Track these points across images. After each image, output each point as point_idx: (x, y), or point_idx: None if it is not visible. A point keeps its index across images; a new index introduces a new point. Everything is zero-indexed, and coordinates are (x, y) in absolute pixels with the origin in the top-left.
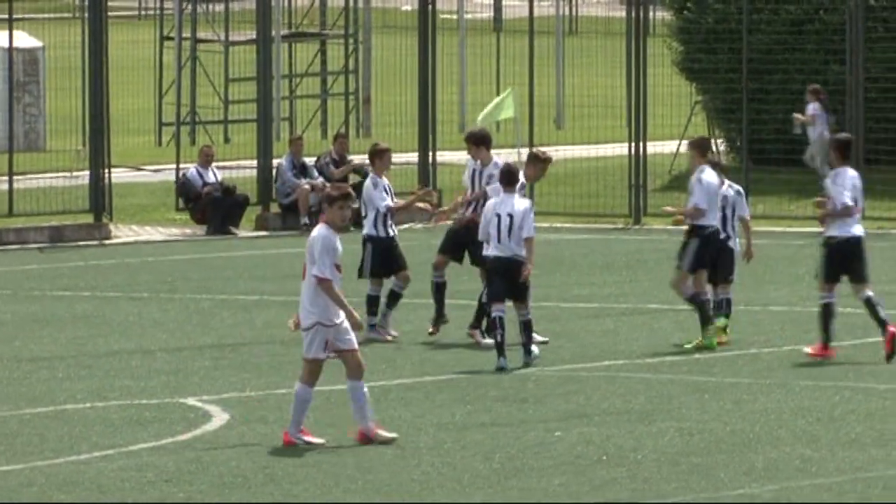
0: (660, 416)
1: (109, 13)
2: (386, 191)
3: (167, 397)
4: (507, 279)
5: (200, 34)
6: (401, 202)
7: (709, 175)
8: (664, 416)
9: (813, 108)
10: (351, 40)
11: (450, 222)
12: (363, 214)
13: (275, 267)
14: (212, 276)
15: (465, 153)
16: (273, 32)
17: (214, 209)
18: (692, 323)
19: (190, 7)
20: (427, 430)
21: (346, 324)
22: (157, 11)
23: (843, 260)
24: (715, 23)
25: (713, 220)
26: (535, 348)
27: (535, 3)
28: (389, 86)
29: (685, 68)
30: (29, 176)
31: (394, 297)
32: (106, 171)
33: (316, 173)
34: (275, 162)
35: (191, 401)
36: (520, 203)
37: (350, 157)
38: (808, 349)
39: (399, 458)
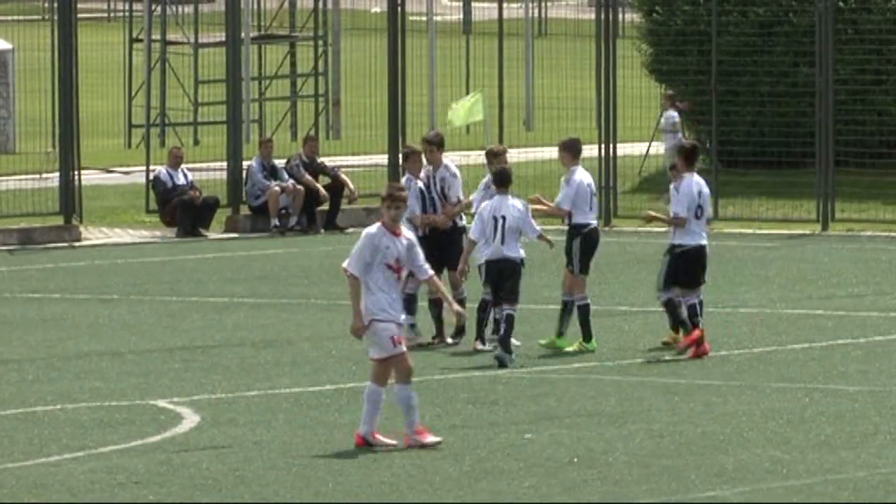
0: (630, 418)
1: (79, 15)
2: (417, 198)
3: (137, 399)
4: (498, 280)
5: (170, 36)
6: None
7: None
8: (634, 418)
9: (669, 115)
10: (320, 42)
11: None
12: None
13: (245, 269)
14: (182, 279)
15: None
16: (242, 34)
17: (184, 211)
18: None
19: (159, 9)
20: (398, 432)
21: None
22: (127, 13)
23: (687, 267)
24: (684, 25)
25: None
26: (514, 344)
27: (505, 6)
28: (359, 88)
29: (654, 70)
30: None
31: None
32: (76, 173)
33: (286, 175)
34: (245, 164)
35: (161, 403)
36: (514, 204)
37: (320, 160)
38: (680, 347)
39: (370, 460)
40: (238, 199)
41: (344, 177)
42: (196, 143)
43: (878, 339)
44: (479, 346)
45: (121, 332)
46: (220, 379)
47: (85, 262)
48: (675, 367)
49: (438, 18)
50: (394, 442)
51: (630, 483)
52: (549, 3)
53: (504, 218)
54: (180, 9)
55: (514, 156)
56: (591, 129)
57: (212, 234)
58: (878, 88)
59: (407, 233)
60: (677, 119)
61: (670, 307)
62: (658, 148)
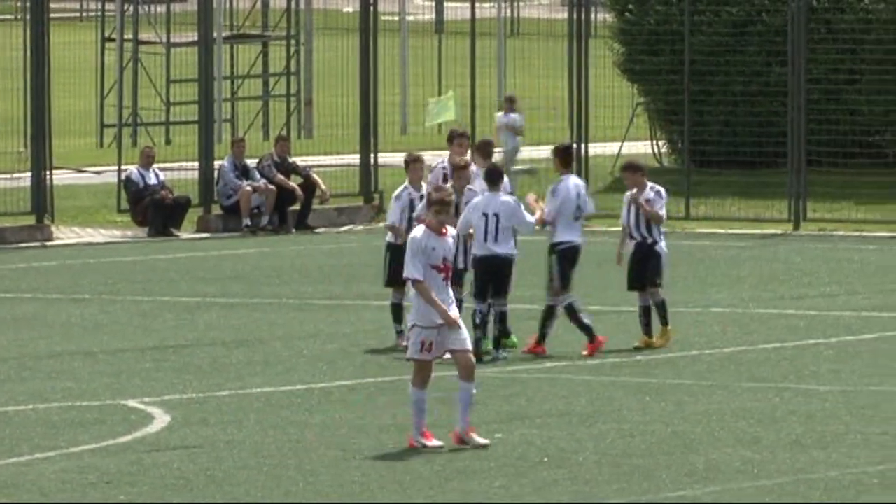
0: (601, 417)
1: (51, 14)
2: (406, 207)
3: (109, 399)
4: (490, 277)
5: (142, 36)
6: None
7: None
8: (605, 417)
9: (507, 118)
10: (293, 42)
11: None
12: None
13: (217, 269)
14: (153, 278)
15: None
16: (215, 34)
17: (156, 211)
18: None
19: (131, 9)
20: (368, 431)
21: (460, 324)
22: (99, 13)
23: (572, 265)
24: (657, 24)
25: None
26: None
27: (477, 5)
28: (331, 87)
29: (627, 70)
30: None
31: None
32: (47, 172)
33: (258, 175)
34: (217, 163)
35: (132, 403)
36: (505, 200)
37: (292, 159)
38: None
39: (340, 459)
40: (210, 198)
41: (316, 177)
42: (168, 142)
43: (850, 338)
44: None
45: (92, 332)
46: (191, 379)
47: (57, 262)
48: (646, 367)
49: (411, 18)
50: (440, 443)
51: (601, 483)
52: (521, 3)
53: (497, 216)
54: (152, 8)
55: None
56: (563, 128)
57: (183, 234)
58: (850, 88)
59: (452, 231)
60: (521, 121)
61: (572, 311)
62: (630, 148)
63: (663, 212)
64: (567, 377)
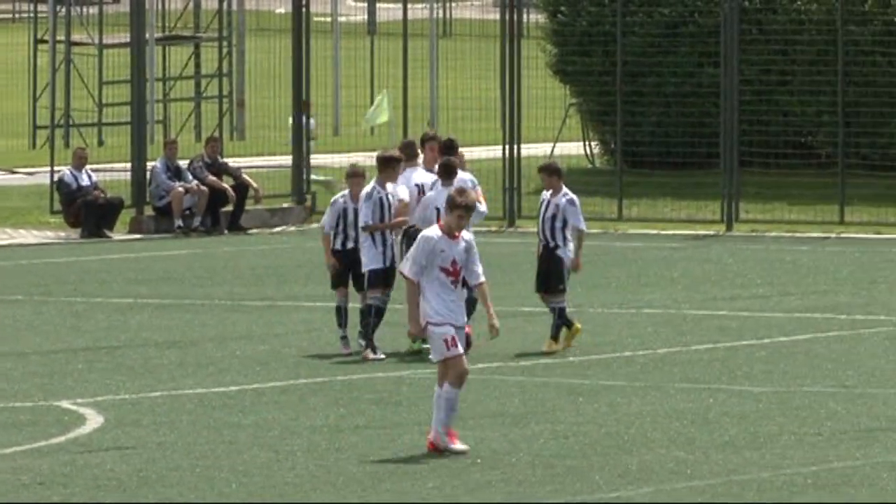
0: (534, 418)
1: None
2: (377, 206)
3: (41, 400)
4: None
5: (74, 37)
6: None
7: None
8: (539, 418)
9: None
10: (225, 43)
11: None
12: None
13: (149, 270)
14: (86, 279)
15: (338, 155)
16: (147, 35)
17: (88, 212)
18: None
19: (64, 10)
20: (301, 432)
21: (464, 331)
22: (31, 14)
23: None
24: (589, 25)
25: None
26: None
27: (409, 6)
28: (263, 89)
29: (559, 71)
30: None
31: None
32: None
33: (190, 176)
34: (149, 165)
35: (65, 404)
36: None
37: (223, 160)
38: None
39: (273, 460)
40: (142, 199)
41: (247, 177)
42: (100, 143)
43: (783, 339)
44: (371, 356)
45: (25, 333)
46: (124, 380)
47: None
48: (578, 368)
49: (343, 19)
50: (465, 447)
51: (534, 484)
52: (453, 4)
53: None
54: (85, 10)
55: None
56: (495, 129)
57: (116, 235)
58: (782, 89)
59: (466, 234)
60: (313, 125)
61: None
62: (563, 149)
63: (583, 224)
64: (500, 378)
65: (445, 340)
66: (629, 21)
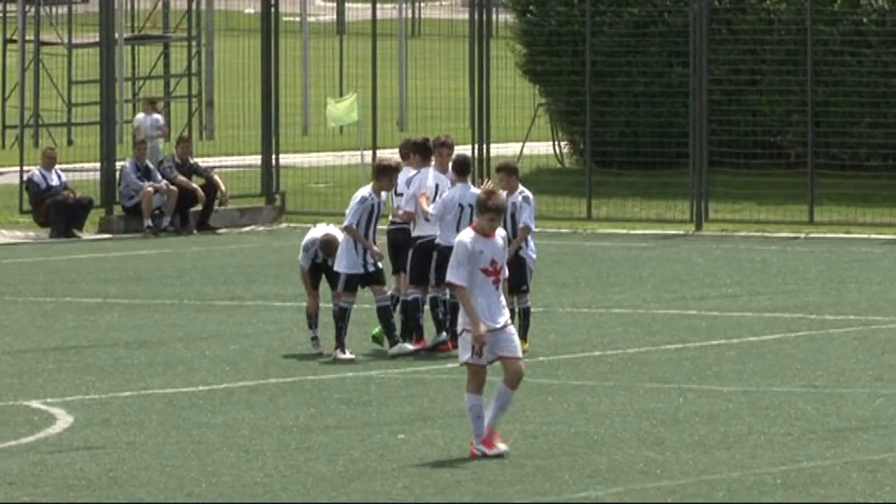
0: (503, 418)
1: None
2: (366, 212)
3: (11, 400)
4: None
5: (44, 37)
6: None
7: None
8: (508, 418)
9: (151, 119)
10: (194, 43)
11: None
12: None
13: (118, 269)
14: (55, 279)
15: (308, 155)
16: (116, 35)
17: (58, 212)
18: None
19: (33, 10)
20: (271, 432)
21: (511, 329)
22: (0, 14)
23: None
24: (558, 25)
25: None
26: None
27: (378, 6)
28: (232, 88)
29: (528, 71)
30: None
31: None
32: None
33: (159, 176)
34: (118, 164)
35: (35, 403)
36: (475, 193)
37: (193, 160)
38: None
39: (243, 460)
40: (111, 199)
41: (217, 178)
42: (70, 143)
43: (752, 339)
44: (342, 356)
45: None
46: (93, 379)
47: None
48: (548, 368)
49: (312, 19)
50: (503, 448)
51: (503, 483)
52: (422, 4)
53: (472, 206)
54: (54, 9)
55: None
56: (464, 129)
57: (85, 235)
58: (752, 89)
59: (501, 231)
60: (162, 122)
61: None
62: (532, 148)
63: (532, 222)
64: None
65: (473, 348)
66: (598, 21)
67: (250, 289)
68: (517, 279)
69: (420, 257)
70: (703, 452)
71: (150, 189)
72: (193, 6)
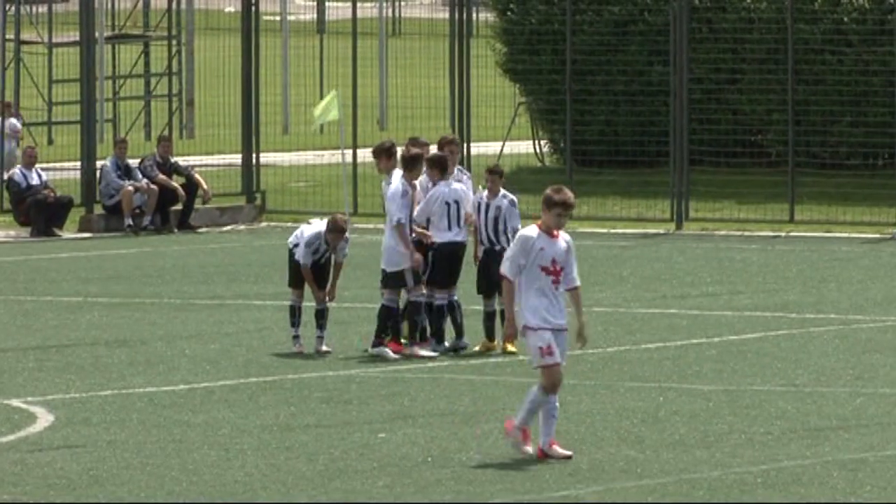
0: (484, 417)
1: None
2: (409, 204)
3: None
4: (453, 264)
5: (24, 35)
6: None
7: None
8: (489, 417)
9: (11, 123)
10: (174, 42)
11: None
12: None
13: (99, 268)
14: (36, 278)
15: (288, 154)
16: (97, 34)
17: (38, 211)
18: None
19: (13, 8)
20: (251, 431)
21: (564, 335)
22: None
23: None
24: (538, 24)
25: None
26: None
27: (359, 5)
28: (213, 87)
29: (509, 69)
30: None
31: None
32: None
33: (140, 175)
34: (99, 163)
35: (15, 402)
36: (461, 189)
37: (174, 159)
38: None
39: (223, 459)
40: (92, 198)
41: (198, 177)
42: (50, 142)
43: (733, 338)
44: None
45: None
46: (73, 378)
47: None
48: (528, 367)
49: (292, 18)
50: (568, 453)
51: (484, 482)
52: (403, 3)
53: (458, 203)
54: (34, 8)
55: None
56: (444, 128)
57: (66, 234)
58: (732, 87)
59: (565, 234)
60: (19, 126)
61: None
62: (512, 147)
63: (518, 223)
64: (450, 377)
65: (541, 348)
66: (578, 19)
67: (231, 288)
68: (496, 277)
69: (447, 261)
70: (683, 451)
71: (130, 188)
72: (173, 5)
